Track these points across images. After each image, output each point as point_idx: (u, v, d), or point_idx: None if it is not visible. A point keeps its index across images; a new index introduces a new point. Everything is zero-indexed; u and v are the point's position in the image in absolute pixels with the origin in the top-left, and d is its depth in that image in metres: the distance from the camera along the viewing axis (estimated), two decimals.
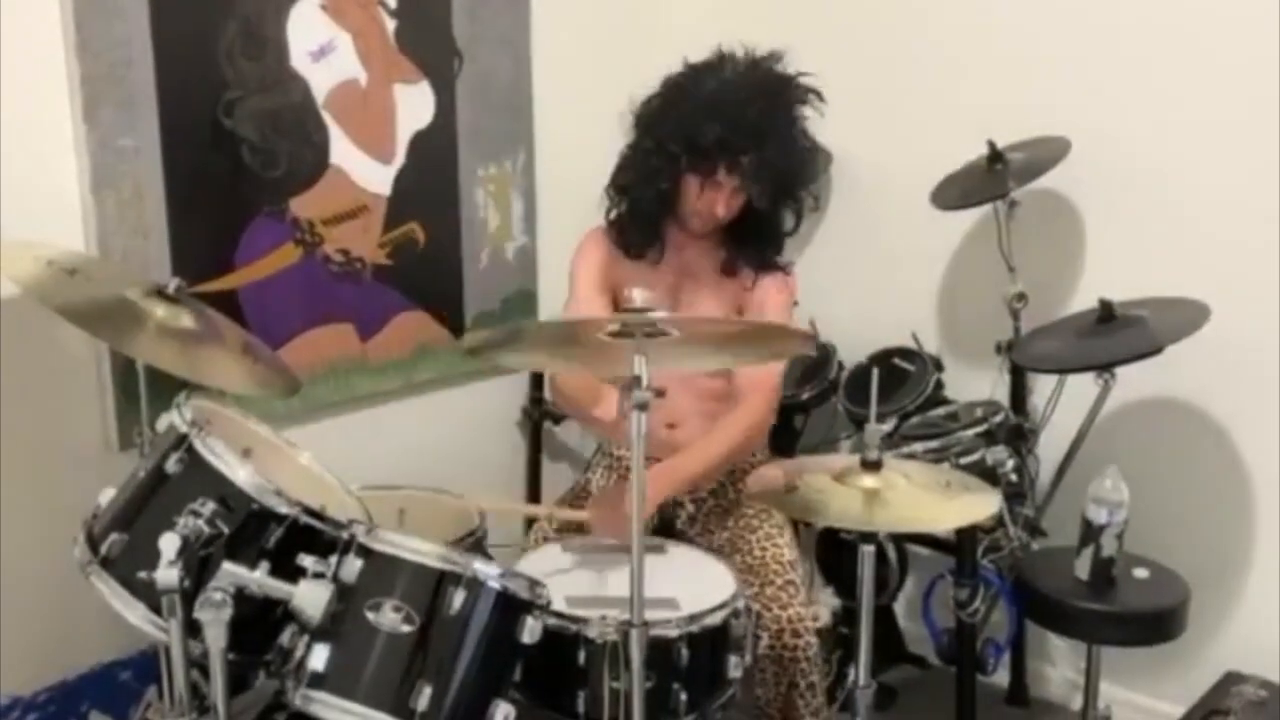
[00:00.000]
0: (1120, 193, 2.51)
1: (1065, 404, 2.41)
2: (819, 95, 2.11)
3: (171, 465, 1.62)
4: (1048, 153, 2.44)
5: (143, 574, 1.55)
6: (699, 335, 1.73)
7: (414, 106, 2.57)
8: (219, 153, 2.25)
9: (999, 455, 2.33)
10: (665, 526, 2.22)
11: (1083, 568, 2.20)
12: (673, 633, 1.73)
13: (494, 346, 1.75)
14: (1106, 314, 2.27)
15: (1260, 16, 2.29)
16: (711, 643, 1.78)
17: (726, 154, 2.02)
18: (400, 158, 2.56)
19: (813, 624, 2.04)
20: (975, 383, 2.61)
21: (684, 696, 1.74)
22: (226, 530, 1.58)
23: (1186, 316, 2.19)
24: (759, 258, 2.20)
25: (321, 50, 2.38)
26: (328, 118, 2.41)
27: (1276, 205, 2.32)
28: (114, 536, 1.62)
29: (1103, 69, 2.49)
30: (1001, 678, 2.66)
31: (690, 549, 2.08)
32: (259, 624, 1.59)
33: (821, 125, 2.71)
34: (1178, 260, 2.43)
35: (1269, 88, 2.29)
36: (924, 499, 1.75)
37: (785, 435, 2.67)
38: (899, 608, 2.75)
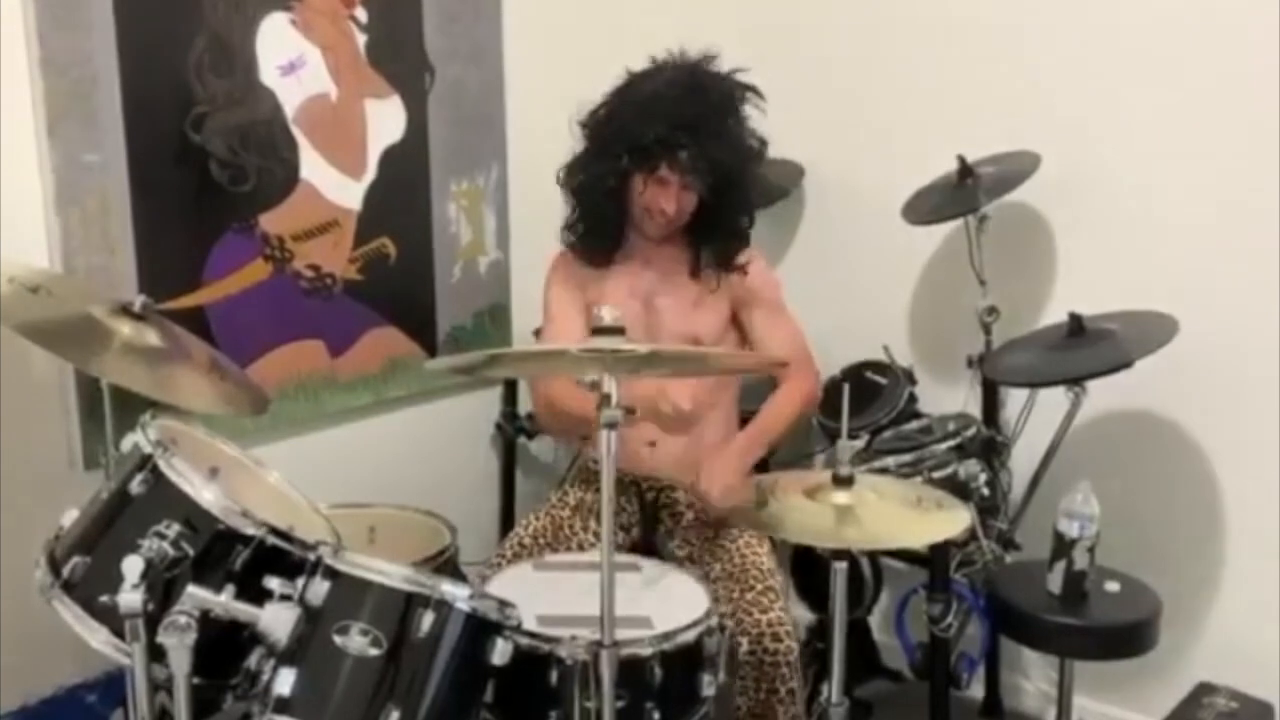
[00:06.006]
0: (1089, 207, 2.52)
1: (1037, 417, 2.43)
2: (756, 91, 2.19)
3: (135, 486, 1.59)
4: (1017, 167, 2.45)
5: (105, 598, 1.52)
6: (665, 353, 1.75)
7: (385, 121, 2.56)
8: (187, 168, 2.23)
9: (971, 469, 2.33)
10: (646, 537, 2.24)
11: (1055, 581, 2.20)
12: (645, 651, 1.72)
13: (458, 372, 1.75)
14: (1076, 327, 2.28)
15: (1228, 33, 2.31)
16: (685, 661, 1.77)
17: (666, 151, 2.10)
18: (371, 172, 2.54)
19: (792, 629, 2.03)
20: (947, 396, 2.61)
21: (657, 715, 1.73)
22: (192, 552, 1.56)
23: (1156, 330, 2.21)
24: (721, 257, 2.25)
25: (291, 65, 2.36)
26: (298, 133, 2.39)
27: (1246, 219, 2.34)
28: (76, 559, 1.59)
29: (1072, 84, 2.50)
30: (976, 691, 2.66)
31: (664, 566, 2.07)
32: (226, 646, 1.56)
33: (792, 139, 2.74)
34: (1147, 274, 2.44)
35: (1238, 103, 2.32)
36: (895, 515, 1.75)
37: None
38: (874, 621, 2.74)
